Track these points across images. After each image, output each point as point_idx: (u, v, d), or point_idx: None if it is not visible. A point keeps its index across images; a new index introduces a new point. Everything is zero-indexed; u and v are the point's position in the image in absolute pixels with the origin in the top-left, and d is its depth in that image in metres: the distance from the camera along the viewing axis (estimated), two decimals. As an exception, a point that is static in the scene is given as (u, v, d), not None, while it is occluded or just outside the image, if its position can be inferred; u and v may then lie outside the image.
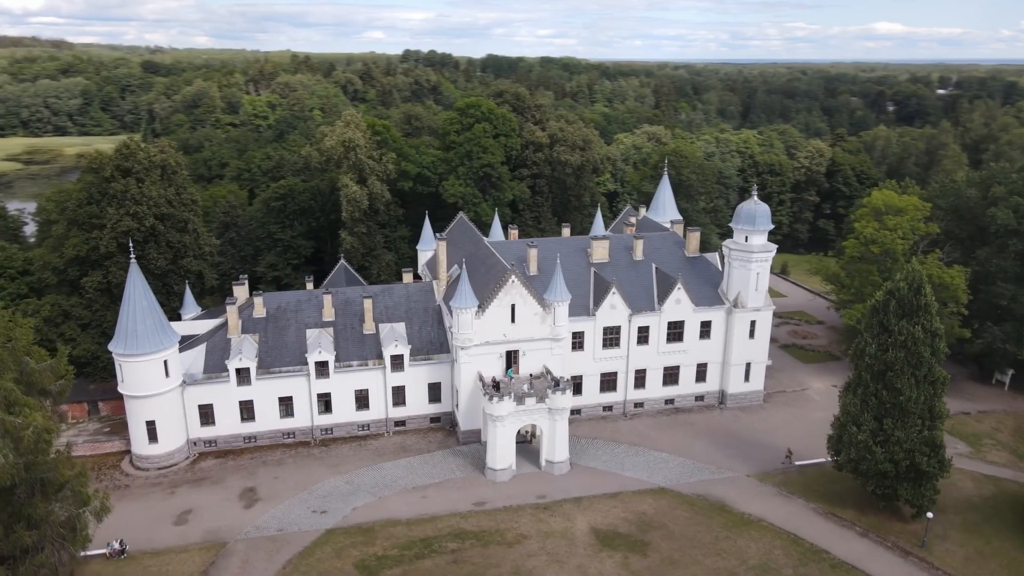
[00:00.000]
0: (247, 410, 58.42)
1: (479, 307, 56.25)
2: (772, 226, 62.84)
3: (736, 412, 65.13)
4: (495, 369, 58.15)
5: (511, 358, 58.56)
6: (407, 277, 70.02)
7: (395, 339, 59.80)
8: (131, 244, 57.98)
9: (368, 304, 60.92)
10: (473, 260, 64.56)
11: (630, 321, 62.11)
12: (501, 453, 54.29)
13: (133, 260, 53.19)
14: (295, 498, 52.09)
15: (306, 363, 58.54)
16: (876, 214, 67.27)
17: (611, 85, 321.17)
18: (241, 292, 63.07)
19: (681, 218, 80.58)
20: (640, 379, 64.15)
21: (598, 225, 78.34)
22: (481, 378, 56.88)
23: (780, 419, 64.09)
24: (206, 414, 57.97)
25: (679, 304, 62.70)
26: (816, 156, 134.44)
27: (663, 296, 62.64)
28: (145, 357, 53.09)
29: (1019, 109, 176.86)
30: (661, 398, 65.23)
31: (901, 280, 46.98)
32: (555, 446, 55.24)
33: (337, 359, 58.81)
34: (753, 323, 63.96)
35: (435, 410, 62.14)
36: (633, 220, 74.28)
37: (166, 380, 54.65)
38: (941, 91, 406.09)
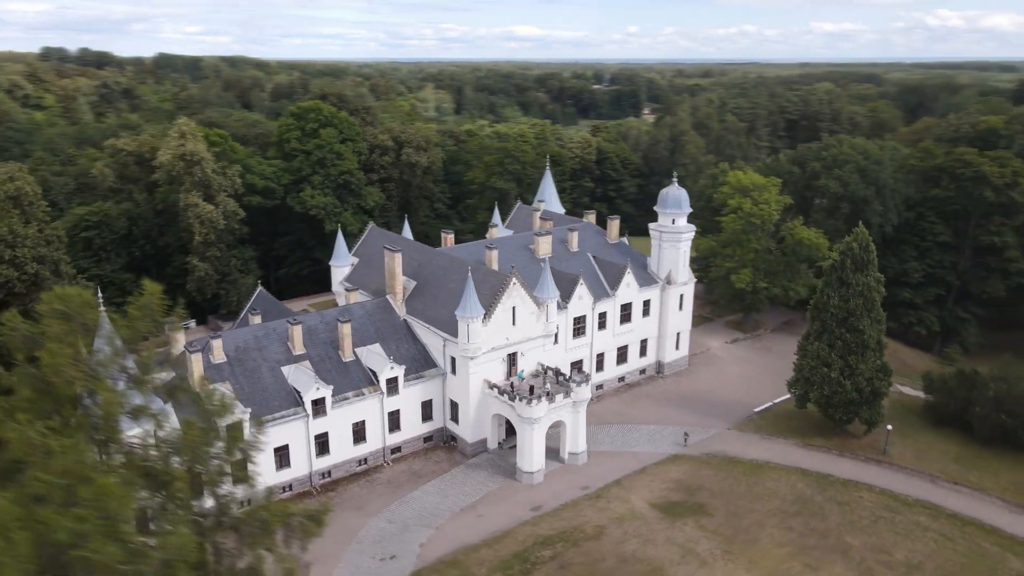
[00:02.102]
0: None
1: (485, 314, 55.11)
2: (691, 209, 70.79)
3: (674, 378, 72.16)
4: (498, 375, 57.39)
5: (512, 360, 58.30)
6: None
7: (382, 362, 55.63)
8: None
9: (347, 329, 55.60)
10: (433, 268, 62.28)
11: (593, 309, 65.32)
12: (536, 455, 54.24)
13: (103, 311, 42.34)
14: (349, 551, 46.62)
15: (299, 404, 51.90)
16: (743, 191, 78.94)
17: (321, 82, 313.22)
18: (178, 339, 53.33)
19: (563, 209, 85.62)
20: (600, 362, 67.80)
21: (497, 222, 79.51)
22: (495, 385, 55.83)
23: (709, 377, 72.58)
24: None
25: (628, 287, 67.49)
26: (586, 146, 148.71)
27: (615, 281, 66.88)
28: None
29: (709, 100, 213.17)
30: (615, 377, 69.61)
31: (852, 241, 57.24)
32: (578, 438, 56.70)
33: (333, 393, 53.05)
34: (682, 296, 71.36)
35: (427, 429, 59.12)
36: (539, 214, 77.10)
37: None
38: (596, 86, 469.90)
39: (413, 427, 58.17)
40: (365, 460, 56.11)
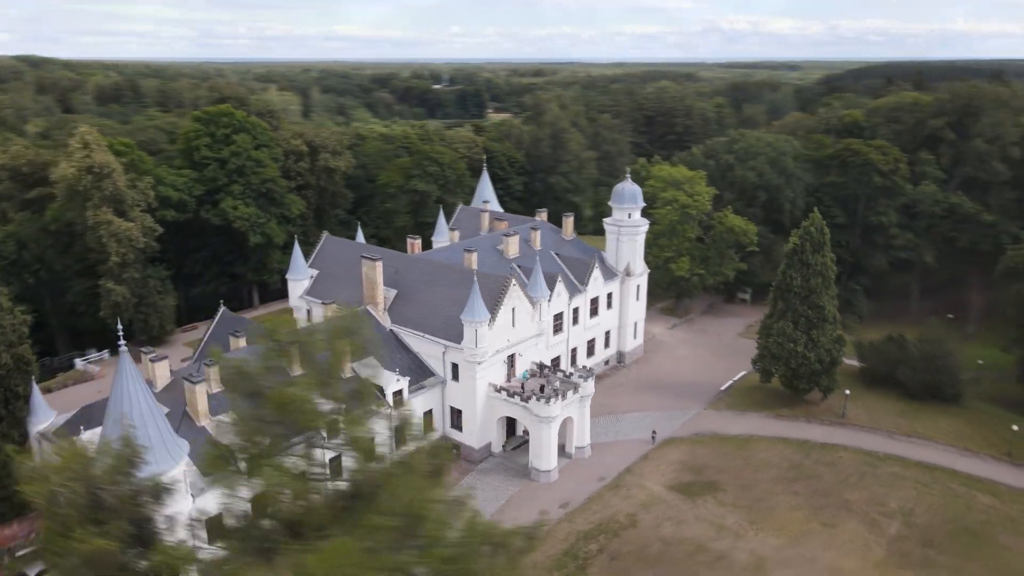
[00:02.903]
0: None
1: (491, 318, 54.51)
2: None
3: (635, 365, 75.04)
4: (499, 377, 57.00)
5: (511, 362, 58.05)
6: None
7: (386, 375, 53.45)
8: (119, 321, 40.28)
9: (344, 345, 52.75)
10: (414, 275, 60.59)
11: (569, 304, 66.44)
12: (552, 453, 54.56)
13: (124, 347, 37.35)
14: None
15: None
16: (675, 184, 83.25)
17: (159, 83, 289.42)
18: (161, 369, 48.35)
19: (501, 208, 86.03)
20: (574, 356, 69.13)
21: (442, 227, 78.05)
22: (503, 387, 55.43)
23: (666, 362, 76.23)
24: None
25: (596, 281, 69.28)
26: (472, 145, 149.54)
27: (582, 277, 68.38)
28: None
29: (573, 98, 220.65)
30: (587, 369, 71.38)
31: (810, 225, 62.58)
32: (584, 432, 57.67)
33: (344, 412, 50.20)
34: (639, 287, 74.28)
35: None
36: (488, 215, 77.01)
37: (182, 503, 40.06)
38: (437, 86, 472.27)
39: (417, 440, 56.37)
40: (375, 479, 53.77)
